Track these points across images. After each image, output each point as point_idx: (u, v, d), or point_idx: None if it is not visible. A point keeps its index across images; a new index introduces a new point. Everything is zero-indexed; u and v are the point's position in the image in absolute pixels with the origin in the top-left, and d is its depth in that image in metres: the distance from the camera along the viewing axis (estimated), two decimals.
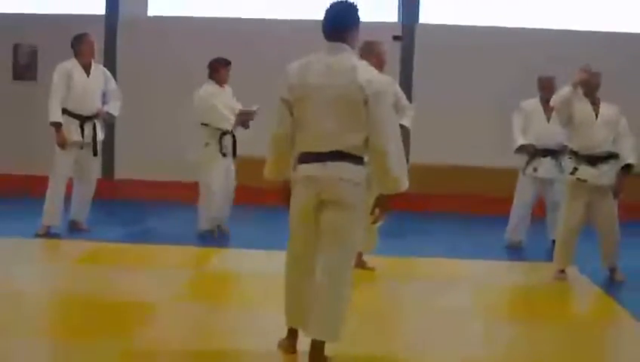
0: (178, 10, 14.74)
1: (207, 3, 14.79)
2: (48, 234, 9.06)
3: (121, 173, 14.47)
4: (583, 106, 7.75)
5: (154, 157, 14.34)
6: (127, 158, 14.42)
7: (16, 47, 14.02)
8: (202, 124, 9.49)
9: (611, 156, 7.74)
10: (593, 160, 7.72)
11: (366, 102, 4.92)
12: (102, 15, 14.44)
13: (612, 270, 8.00)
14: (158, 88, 14.33)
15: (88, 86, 9.17)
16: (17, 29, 13.95)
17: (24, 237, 8.88)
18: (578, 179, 7.76)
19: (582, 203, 7.82)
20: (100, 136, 9.39)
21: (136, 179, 14.15)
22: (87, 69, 9.18)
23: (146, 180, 14.09)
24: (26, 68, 13.77)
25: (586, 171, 7.73)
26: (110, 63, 13.26)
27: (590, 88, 7.75)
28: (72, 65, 9.12)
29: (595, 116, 7.73)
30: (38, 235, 8.99)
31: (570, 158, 7.92)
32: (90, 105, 9.19)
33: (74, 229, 9.36)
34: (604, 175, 7.72)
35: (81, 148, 9.19)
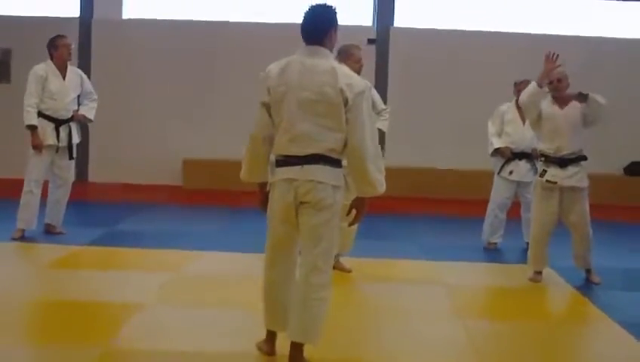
0: (153, 13, 14.73)
1: (182, 6, 14.79)
2: (23, 237, 8.99)
3: (95, 175, 14.45)
4: (550, 108, 7.75)
5: (128, 160, 14.35)
6: (101, 161, 14.41)
7: None
8: None
9: (580, 158, 7.76)
10: (563, 162, 7.72)
11: (346, 105, 4.94)
12: (76, 17, 14.42)
13: (587, 271, 8.01)
14: (132, 90, 14.35)
15: (64, 89, 9.09)
16: None
17: (0, 241, 8.82)
18: (548, 181, 7.76)
19: (552, 204, 7.81)
20: (76, 139, 9.32)
21: (111, 182, 14.14)
22: (62, 72, 9.10)
23: (120, 182, 14.09)
24: None
25: (555, 173, 7.73)
26: (85, 65, 13.25)
27: (558, 90, 7.73)
28: (47, 67, 9.04)
29: (562, 118, 7.71)
30: (13, 239, 8.91)
31: (540, 161, 7.95)
32: (66, 108, 9.12)
33: (49, 232, 9.28)
34: (574, 177, 7.72)
35: (57, 151, 9.13)
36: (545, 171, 7.80)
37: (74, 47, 9.37)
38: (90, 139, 13.98)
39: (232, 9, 14.73)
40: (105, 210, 11.79)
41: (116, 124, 14.14)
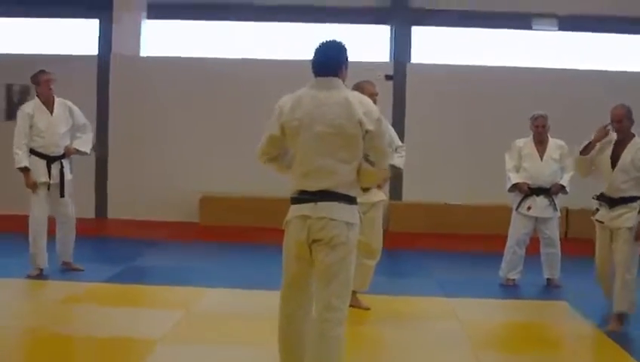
0: (171, 51, 14.81)
1: (200, 44, 14.87)
2: (40, 275, 8.95)
3: (114, 212, 14.46)
4: (603, 152, 7.67)
5: (147, 197, 14.36)
6: (121, 197, 14.42)
7: (9, 87, 14.14)
8: None
9: (629, 199, 7.53)
10: (611, 202, 7.59)
11: (365, 135, 4.94)
12: (94, 55, 14.51)
13: (616, 315, 7.55)
14: (150, 128, 14.37)
15: (52, 124, 9.01)
16: (10, 69, 14.00)
17: (17, 277, 8.80)
18: (597, 220, 7.72)
19: (604, 243, 7.71)
20: (68, 175, 9.18)
21: (129, 218, 14.14)
22: (49, 107, 9.02)
23: (139, 219, 14.08)
24: (18, 108, 13.81)
25: (603, 213, 7.66)
26: (103, 103, 13.33)
27: (616, 127, 7.59)
28: (34, 105, 8.99)
29: (614, 161, 7.58)
30: (29, 276, 8.88)
31: (592, 198, 7.84)
32: (56, 144, 9.03)
33: (66, 269, 9.26)
34: (620, 218, 7.54)
35: (49, 188, 9.04)
36: (597, 210, 7.75)
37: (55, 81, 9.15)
38: (109, 176, 14.03)
39: (250, 47, 14.79)
40: (123, 246, 11.79)
41: (134, 161, 14.17)
